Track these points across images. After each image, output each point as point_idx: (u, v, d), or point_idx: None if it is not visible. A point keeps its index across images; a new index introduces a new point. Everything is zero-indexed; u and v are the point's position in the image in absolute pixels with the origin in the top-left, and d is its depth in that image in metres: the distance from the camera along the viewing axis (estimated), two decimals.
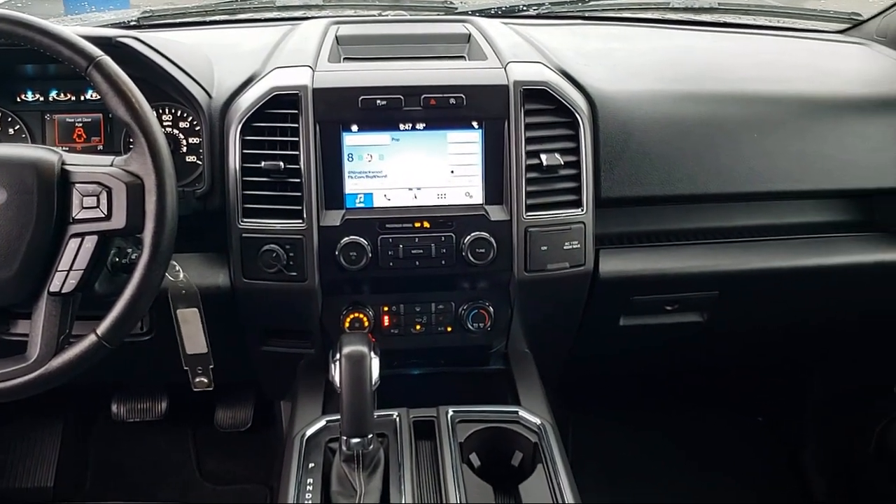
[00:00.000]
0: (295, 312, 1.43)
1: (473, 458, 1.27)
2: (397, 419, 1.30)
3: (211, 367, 1.44)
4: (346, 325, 1.42)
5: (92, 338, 1.10)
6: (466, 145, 1.37)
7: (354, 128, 1.35)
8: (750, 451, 2.27)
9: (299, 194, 1.33)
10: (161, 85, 1.41)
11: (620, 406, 2.27)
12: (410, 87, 1.35)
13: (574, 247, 1.40)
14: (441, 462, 1.22)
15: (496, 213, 1.37)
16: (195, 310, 1.38)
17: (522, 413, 1.33)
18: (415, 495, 1.17)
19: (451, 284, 1.44)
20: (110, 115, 1.46)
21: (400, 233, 1.36)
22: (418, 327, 1.46)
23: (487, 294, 1.45)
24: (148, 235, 1.09)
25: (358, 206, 1.36)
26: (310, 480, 1.19)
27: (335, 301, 1.42)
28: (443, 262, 1.37)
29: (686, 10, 1.97)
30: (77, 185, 1.10)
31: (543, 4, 1.92)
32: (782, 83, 1.60)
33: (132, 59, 1.32)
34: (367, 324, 1.42)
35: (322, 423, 1.30)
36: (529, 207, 1.36)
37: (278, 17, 1.86)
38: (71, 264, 1.10)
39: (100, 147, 1.50)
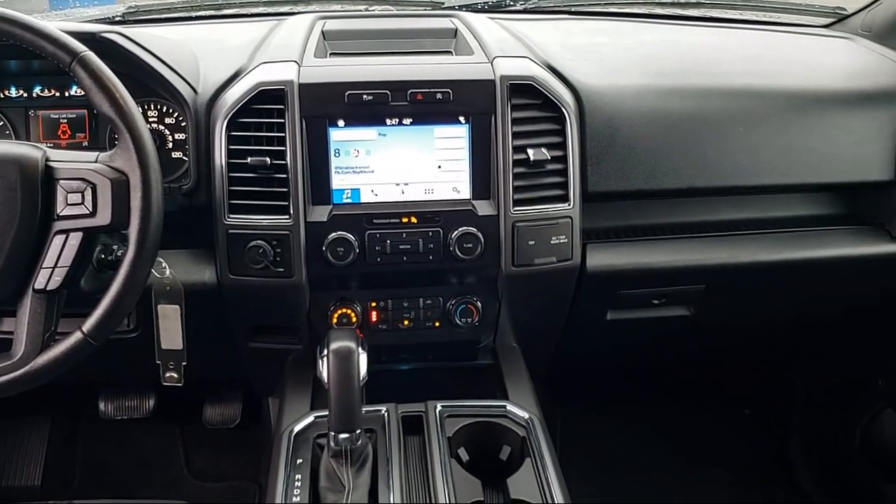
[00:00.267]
0: (282, 308, 1.42)
1: (462, 452, 1.27)
2: (385, 414, 1.30)
3: (183, 363, 1.43)
4: (334, 320, 1.42)
5: (77, 335, 1.09)
6: (453, 140, 1.37)
7: (341, 123, 1.34)
8: (737, 445, 2.29)
9: (286, 190, 1.32)
10: (146, 81, 1.40)
11: (608, 400, 2.28)
12: (397, 82, 1.35)
13: (561, 241, 1.40)
14: (429, 457, 1.22)
15: (483, 208, 1.37)
16: (176, 307, 1.38)
17: (510, 407, 1.33)
18: (403, 490, 1.17)
19: (438, 279, 1.44)
20: (95, 111, 1.45)
21: (387, 228, 1.35)
22: (406, 322, 1.46)
23: (475, 289, 1.45)
24: (133, 232, 1.09)
25: (345, 201, 1.36)
26: (298, 476, 1.18)
27: (323, 297, 1.42)
28: (430, 257, 1.37)
29: (672, 4, 1.98)
30: (61, 181, 1.09)
31: None
32: (768, 77, 1.60)
33: (117, 55, 1.31)
34: (354, 319, 1.42)
35: (310, 418, 1.30)
36: (517, 202, 1.37)
37: (264, 12, 1.85)
38: (56, 261, 1.09)
39: (85, 143, 1.49)
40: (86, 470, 2.14)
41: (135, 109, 1.11)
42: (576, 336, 1.64)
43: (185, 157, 1.44)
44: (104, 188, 1.09)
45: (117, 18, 1.76)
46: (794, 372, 2.22)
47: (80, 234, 1.09)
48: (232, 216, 1.33)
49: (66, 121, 1.48)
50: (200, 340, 1.44)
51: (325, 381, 1.15)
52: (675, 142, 1.48)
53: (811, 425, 2.20)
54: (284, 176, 1.32)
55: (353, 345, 1.14)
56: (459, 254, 1.36)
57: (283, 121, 1.32)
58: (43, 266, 1.09)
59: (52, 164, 1.10)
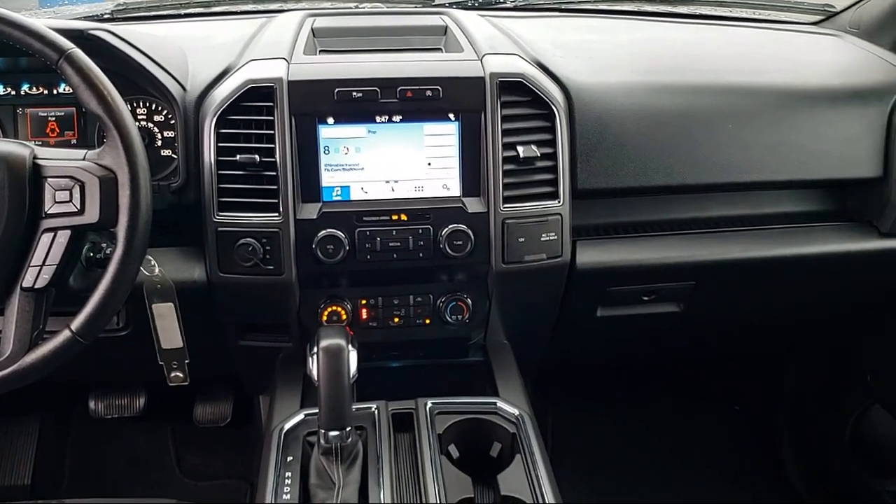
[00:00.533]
0: (272, 306, 1.42)
1: (452, 449, 1.28)
2: (376, 412, 1.30)
3: (186, 361, 1.43)
4: (324, 318, 1.42)
5: (66, 333, 1.09)
6: (443, 137, 1.37)
7: (330, 120, 1.34)
8: (727, 442, 2.30)
9: (275, 187, 1.32)
10: (135, 78, 1.39)
11: (599, 397, 2.29)
12: (386, 80, 1.34)
13: (551, 238, 1.40)
14: (419, 454, 1.23)
15: (473, 206, 1.37)
16: (171, 304, 1.37)
17: (501, 404, 1.33)
18: (393, 487, 1.17)
19: (429, 277, 1.44)
20: (83, 109, 1.44)
21: (377, 226, 1.35)
22: (396, 320, 1.46)
23: (465, 286, 1.45)
24: (121, 230, 1.08)
25: (335, 198, 1.36)
26: (288, 474, 1.19)
27: (313, 294, 1.42)
28: (420, 254, 1.37)
29: (663, 1, 1.98)
30: (49, 179, 1.09)
31: None
32: (757, 74, 1.61)
33: (105, 52, 1.31)
34: (344, 317, 1.42)
35: (300, 416, 1.30)
36: (506, 199, 1.37)
37: (254, 9, 1.84)
38: (44, 259, 1.08)
39: (73, 141, 1.48)
40: (76, 469, 2.14)
41: (123, 107, 1.10)
42: (566, 333, 1.64)
43: (174, 155, 1.44)
44: (92, 186, 1.08)
45: (106, 16, 1.75)
46: (783, 368, 2.23)
47: (68, 233, 1.09)
48: (221, 214, 1.33)
49: (54, 119, 1.48)
50: (191, 339, 1.43)
51: (315, 378, 1.15)
52: (665, 139, 1.48)
53: (800, 421, 2.22)
54: (274, 173, 1.32)
55: (342, 342, 1.14)
56: (449, 251, 1.36)
57: (272, 118, 1.32)
58: (31, 264, 1.08)
59: (39, 161, 1.10)
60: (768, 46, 1.81)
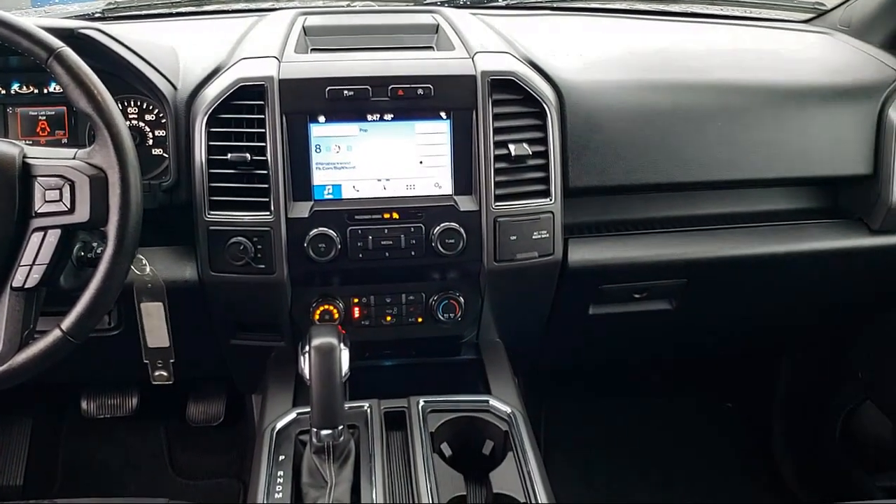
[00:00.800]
0: (264, 305, 1.42)
1: (444, 447, 1.28)
2: (368, 410, 1.30)
3: (171, 361, 1.43)
4: (316, 317, 1.42)
5: (56, 333, 1.08)
6: (435, 136, 1.37)
7: (322, 119, 1.34)
8: (719, 438, 2.30)
9: (266, 186, 1.32)
10: (126, 77, 1.39)
11: (592, 394, 2.29)
12: (378, 78, 1.35)
13: (543, 236, 1.40)
14: (412, 452, 1.23)
15: (465, 204, 1.37)
16: (159, 304, 1.37)
17: (493, 402, 1.33)
18: (386, 485, 1.17)
19: (421, 275, 1.44)
20: (74, 108, 1.44)
21: (369, 224, 1.35)
22: (389, 318, 1.46)
23: (458, 284, 1.45)
24: (112, 229, 1.08)
25: (326, 197, 1.36)
26: (280, 473, 1.18)
27: (304, 293, 1.42)
28: (412, 252, 1.37)
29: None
30: (39, 178, 1.09)
31: None
32: (748, 72, 1.61)
33: (95, 51, 1.31)
34: (336, 316, 1.42)
35: (292, 415, 1.30)
36: (498, 197, 1.37)
37: (246, 8, 1.84)
38: (34, 259, 1.08)
39: (64, 140, 1.48)
40: (69, 469, 2.13)
41: (112, 106, 1.10)
42: (558, 331, 1.65)
43: (165, 154, 1.44)
44: (82, 185, 1.08)
45: (97, 15, 1.75)
46: (774, 365, 2.23)
47: (58, 232, 1.09)
48: (212, 213, 1.33)
49: (44, 118, 1.47)
50: (183, 338, 1.43)
51: (307, 377, 1.15)
52: (656, 137, 1.49)
53: (792, 418, 2.22)
54: (265, 172, 1.32)
55: (334, 341, 1.14)
56: (441, 249, 1.36)
57: (263, 117, 1.32)
58: (21, 264, 1.08)
59: (29, 161, 1.09)
60: (759, 44, 1.82)
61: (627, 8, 1.97)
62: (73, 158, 1.10)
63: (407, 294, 1.45)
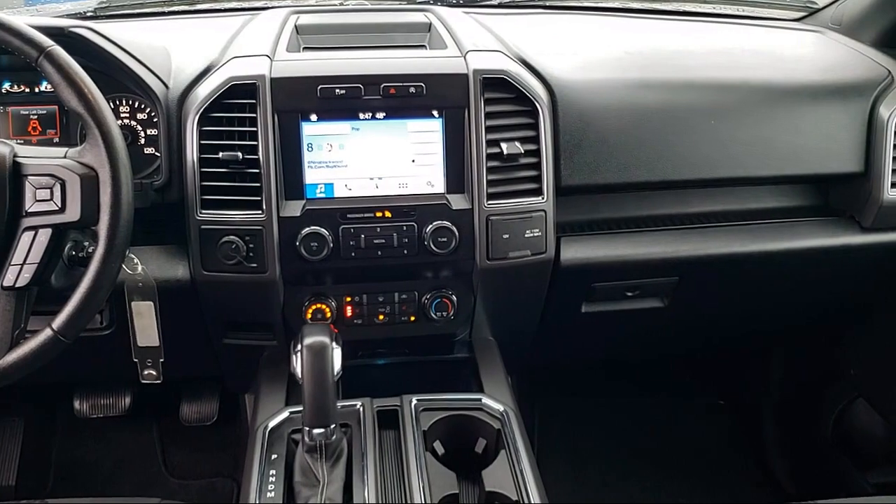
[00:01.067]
0: (256, 304, 1.42)
1: (437, 445, 1.28)
2: (361, 409, 1.30)
3: (161, 360, 1.42)
4: (309, 316, 1.42)
5: (47, 332, 1.08)
6: (427, 134, 1.37)
7: (314, 117, 1.34)
8: (712, 436, 2.31)
9: (258, 185, 1.32)
10: (117, 76, 1.39)
11: (585, 392, 2.30)
12: (370, 76, 1.34)
13: (535, 235, 1.40)
14: (404, 451, 1.23)
15: (458, 202, 1.37)
16: (150, 303, 1.37)
17: (486, 400, 1.33)
18: (378, 484, 1.17)
19: (413, 274, 1.44)
20: (65, 107, 1.43)
21: (361, 223, 1.35)
22: (381, 317, 1.46)
23: (450, 283, 1.45)
24: (103, 228, 1.08)
25: (318, 196, 1.36)
26: (272, 472, 1.18)
27: (297, 292, 1.41)
28: (405, 251, 1.37)
29: None
30: (30, 177, 1.08)
31: None
32: (740, 70, 1.62)
33: (86, 50, 1.31)
34: (329, 314, 1.42)
35: (285, 414, 1.30)
36: (491, 196, 1.37)
37: (238, 7, 1.84)
38: (24, 258, 1.08)
39: (56, 140, 1.47)
40: (62, 469, 2.13)
41: (103, 104, 1.10)
42: (551, 329, 1.65)
43: (157, 153, 1.43)
44: (73, 184, 1.08)
45: (89, 14, 1.74)
46: (767, 363, 2.24)
47: (49, 231, 1.09)
48: (204, 212, 1.33)
49: (36, 117, 1.47)
50: (175, 337, 1.43)
51: (299, 376, 1.15)
52: (648, 135, 1.49)
53: (785, 415, 2.23)
54: (257, 171, 1.32)
55: (326, 340, 1.14)
56: (434, 248, 1.36)
57: (254, 115, 1.32)
58: (11, 263, 1.08)
59: (20, 160, 1.09)
60: (751, 43, 1.82)
61: (620, 6, 1.97)
62: (64, 157, 1.10)
63: (399, 293, 1.45)
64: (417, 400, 1.32)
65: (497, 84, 1.38)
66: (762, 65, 1.65)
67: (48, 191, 1.08)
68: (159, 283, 1.37)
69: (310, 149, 1.35)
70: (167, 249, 1.41)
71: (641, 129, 1.48)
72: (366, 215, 1.35)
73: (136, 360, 1.42)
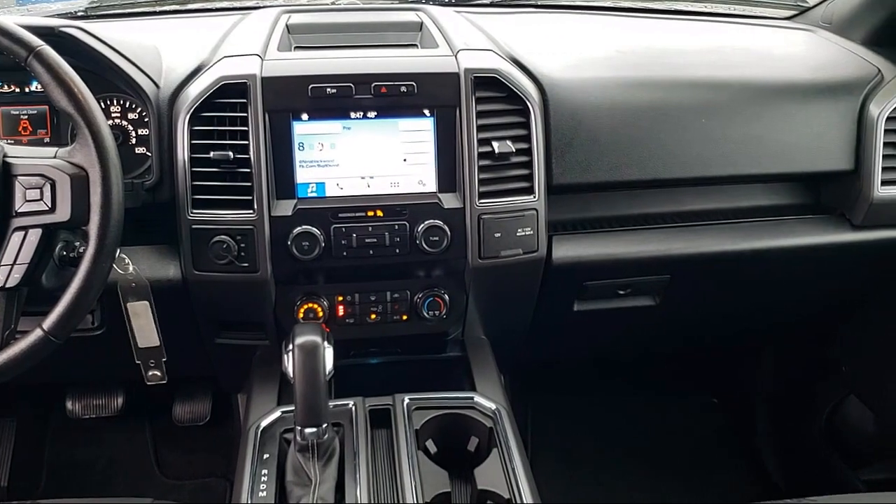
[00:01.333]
0: (248, 304, 1.42)
1: (430, 444, 1.28)
2: (353, 408, 1.30)
3: (164, 359, 1.42)
4: (300, 315, 1.41)
5: (38, 332, 1.08)
6: (418, 133, 1.37)
7: (305, 116, 1.34)
8: (705, 434, 2.32)
9: (249, 184, 1.31)
10: (108, 76, 1.39)
11: (577, 390, 2.30)
12: (361, 75, 1.34)
13: (527, 233, 1.40)
14: (397, 450, 1.23)
15: (449, 201, 1.37)
16: (146, 303, 1.37)
17: (478, 399, 1.34)
18: (370, 483, 1.17)
19: (405, 273, 1.44)
20: (55, 107, 1.43)
21: (353, 222, 1.35)
22: (374, 316, 1.46)
23: (442, 281, 1.45)
24: (93, 228, 1.08)
25: (310, 195, 1.36)
26: (264, 471, 1.18)
27: (289, 291, 1.41)
28: (397, 250, 1.37)
29: None
30: (19, 177, 1.08)
31: None
32: (731, 69, 1.62)
33: (77, 50, 1.30)
34: (321, 314, 1.42)
35: (277, 413, 1.30)
36: (482, 195, 1.37)
37: (229, 6, 1.83)
38: (15, 258, 1.08)
39: (46, 140, 1.47)
40: (54, 470, 2.12)
41: (93, 104, 1.10)
42: (543, 327, 1.65)
43: (148, 153, 1.43)
44: (63, 184, 1.08)
45: (80, 13, 1.74)
46: (759, 360, 2.25)
47: (39, 231, 1.08)
48: (195, 211, 1.32)
49: (26, 117, 1.46)
50: (167, 337, 1.42)
51: (291, 376, 1.15)
52: (639, 133, 1.49)
53: (777, 413, 2.24)
54: (248, 170, 1.31)
55: (318, 339, 1.14)
56: (426, 247, 1.36)
57: (245, 115, 1.32)
58: (1, 263, 1.08)
59: (9, 160, 1.09)
60: (742, 41, 1.82)
61: (611, 5, 1.97)
62: (54, 157, 1.10)
63: (392, 292, 1.45)
64: (409, 399, 1.32)
65: (488, 83, 1.38)
66: (753, 63, 1.66)
67: (38, 191, 1.08)
68: (151, 283, 1.37)
69: (301, 148, 1.34)
70: (158, 249, 1.41)
71: (633, 128, 1.48)
72: (357, 214, 1.35)
73: (138, 361, 1.42)
